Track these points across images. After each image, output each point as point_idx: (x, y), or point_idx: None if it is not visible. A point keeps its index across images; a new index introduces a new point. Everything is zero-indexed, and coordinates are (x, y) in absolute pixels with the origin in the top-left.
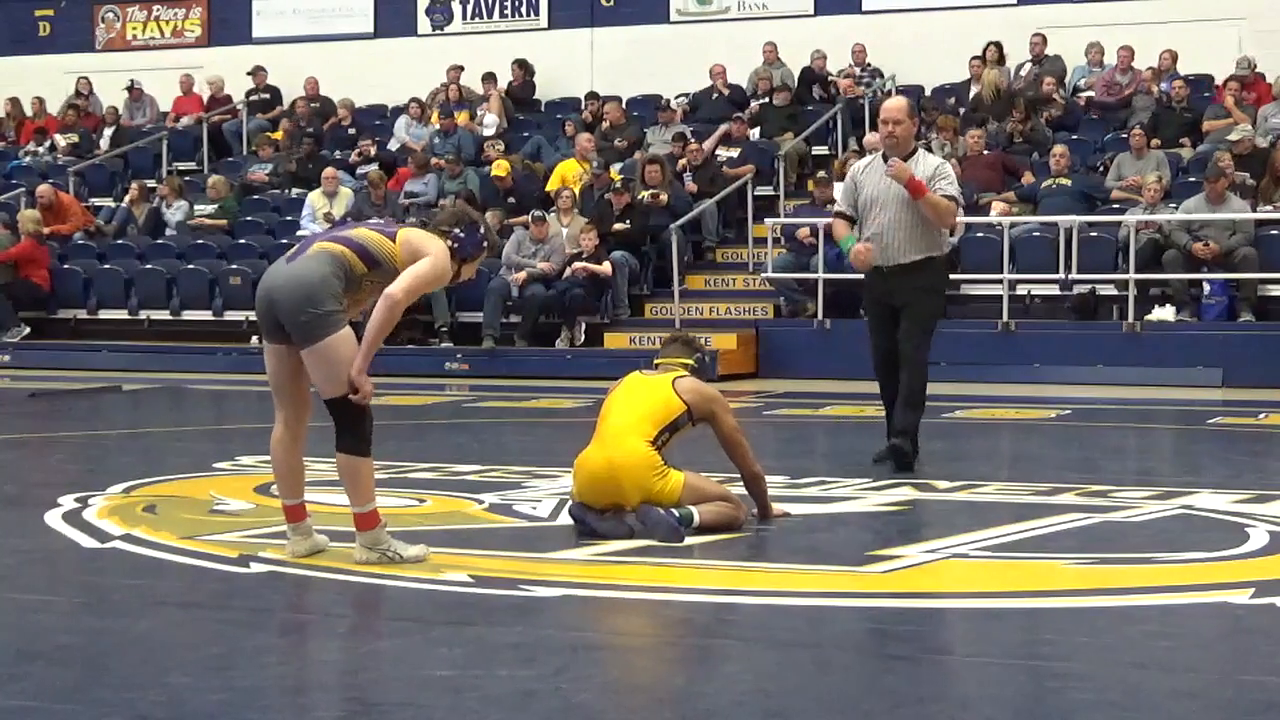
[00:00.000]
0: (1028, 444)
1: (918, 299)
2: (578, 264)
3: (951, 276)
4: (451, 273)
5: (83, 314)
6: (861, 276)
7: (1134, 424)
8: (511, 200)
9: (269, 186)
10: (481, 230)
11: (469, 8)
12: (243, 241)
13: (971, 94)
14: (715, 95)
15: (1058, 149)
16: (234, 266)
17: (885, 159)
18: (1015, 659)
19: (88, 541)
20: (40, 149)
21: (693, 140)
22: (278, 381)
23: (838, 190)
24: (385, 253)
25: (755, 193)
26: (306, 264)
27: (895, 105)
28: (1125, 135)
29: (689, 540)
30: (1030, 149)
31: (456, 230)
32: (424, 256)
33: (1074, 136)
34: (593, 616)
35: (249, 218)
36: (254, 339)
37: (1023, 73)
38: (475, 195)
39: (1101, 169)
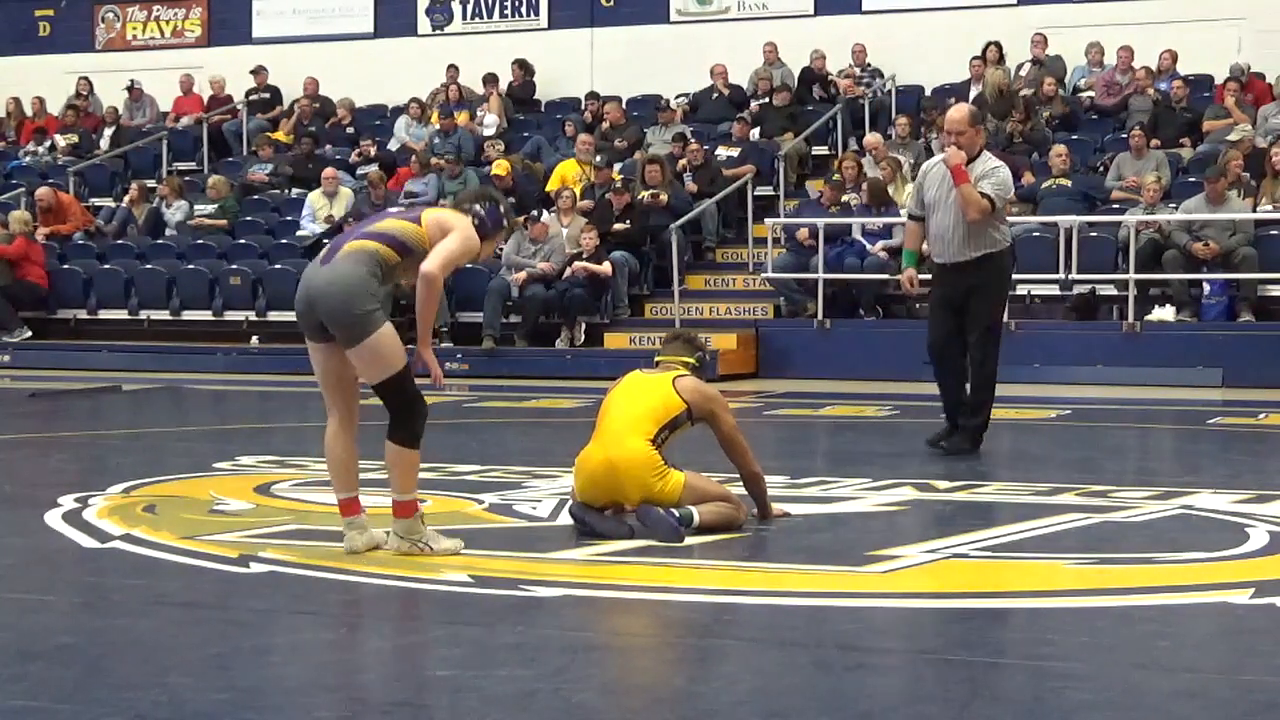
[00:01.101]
0: (1028, 444)
1: (978, 298)
2: (578, 264)
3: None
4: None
5: (83, 314)
6: (859, 277)
7: (1134, 424)
8: (511, 200)
9: (269, 186)
10: (501, 208)
11: (469, 8)
12: (243, 241)
13: (972, 94)
14: (715, 95)
15: (1058, 149)
16: (234, 266)
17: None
18: (1015, 659)
19: (88, 541)
20: (40, 149)
21: (693, 140)
22: (325, 379)
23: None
24: (414, 238)
25: (755, 193)
26: (342, 266)
27: (956, 117)
28: (1125, 135)
29: (689, 540)
30: (1030, 149)
31: (477, 207)
32: (451, 232)
33: (1074, 136)
34: (593, 616)
35: (249, 218)
36: (253, 339)
37: (1023, 73)
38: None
39: (1101, 169)
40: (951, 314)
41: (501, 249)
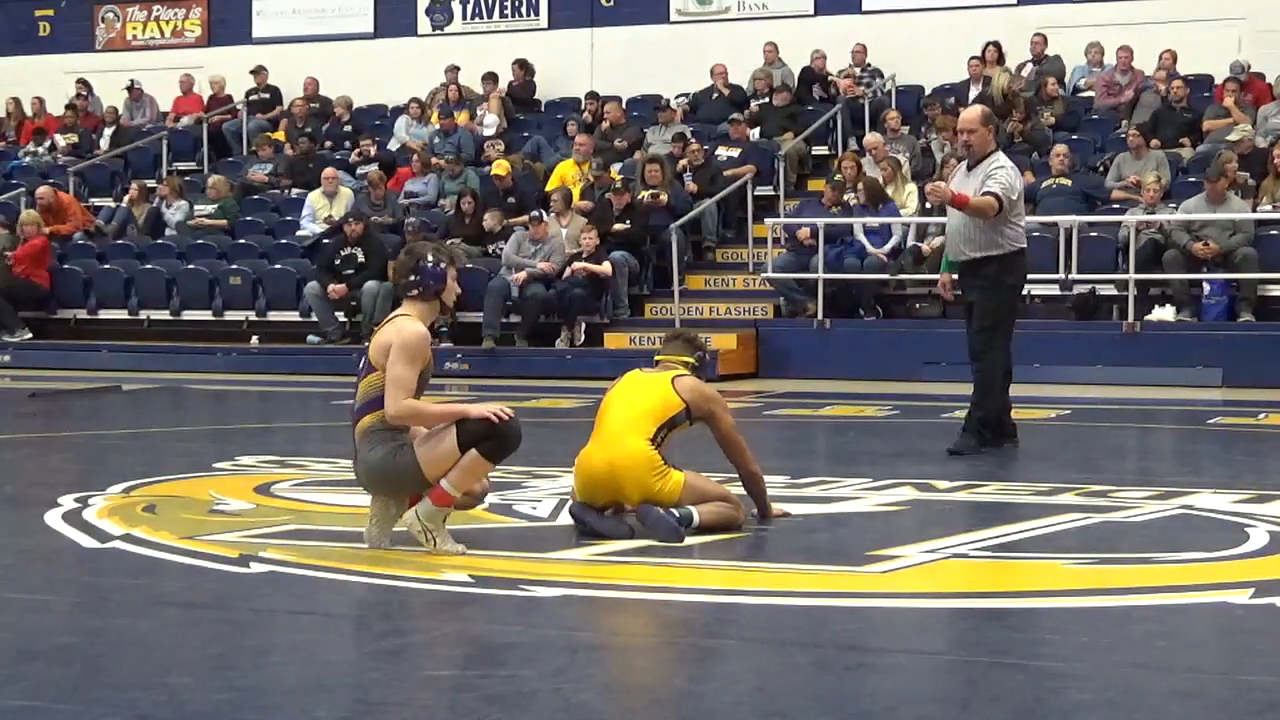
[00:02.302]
0: (1028, 444)
1: (980, 296)
2: (578, 264)
3: (956, 276)
4: (431, 317)
5: (83, 314)
6: (859, 277)
7: (1134, 424)
8: (511, 200)
9: (269, 186)
10: (429, 258)
11: (469, 8)
12: (243, 241)
13: (972, 94)
14: (715, 95)
15: (1058, 149)
16: (234, 266)
17: (969, 166)
18: (1015, 659)
19: (88, 541)
20: (40, 149)
21: (693, 140)
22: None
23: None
24: (375, 387)
25: (755, 193)
26: (365, 458)
27: (969, 116)
28: (1125, 135)
29: (689, 540)
30: (1030, 149)
31: (410, 279)
32: (390, 356)
33: (1074, 136)
34: (593, 616)
35: (249, 218)
36: (254, 339)
37: (1023, 73)
38: (476, 194)
39: (1101, 169)
40: (970, 312)
41: (502, 249)
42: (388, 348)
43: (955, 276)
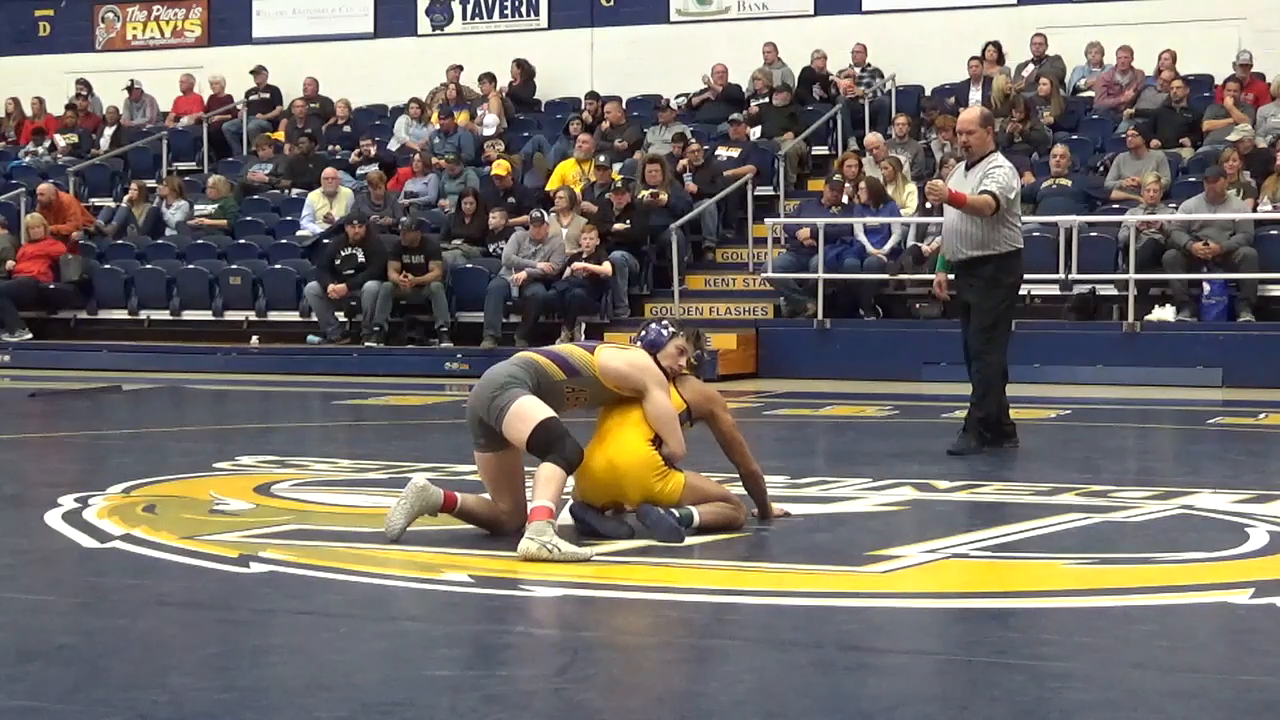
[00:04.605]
0: (1028, 444)
1: (978, 297)
2: (578, 264)
3: (952, 276)
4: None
5: (83, 314)
6: (859, 277)
7: (1134, 424)
8: (511, 200)
9: (269, 186)
10: (654, 323)
11: (469, 8)
12: (243, 241)
13: (971, 94)
14: (715, 95)
15: (1058, 149)
16: (234, 266)
17: (967, 166)
18: (1015, 659)
19: (88, 541)
20: (40, 149)
21: (693, 140)
22: (494, 484)
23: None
24: (584, 362)
25: (755, 193)
26: (495, 368)
27: (967, 117)
28: (1125, 135)
29: (689, 540)
30: (1030, 149)
31: (640, 330)
32: (624, 375)
33: (1074, 136)
34: (593, 616)
35: (249, 218)
36: (254, 339)
37: (1024, 73)
38: (476, 194)
39: (1101, 169)
40: (966, 314)
41: (502, 249)
42: (621, 372)
43: (951, 276)
